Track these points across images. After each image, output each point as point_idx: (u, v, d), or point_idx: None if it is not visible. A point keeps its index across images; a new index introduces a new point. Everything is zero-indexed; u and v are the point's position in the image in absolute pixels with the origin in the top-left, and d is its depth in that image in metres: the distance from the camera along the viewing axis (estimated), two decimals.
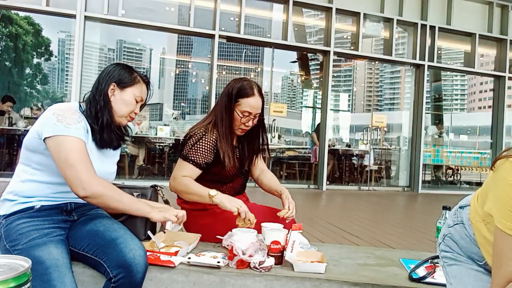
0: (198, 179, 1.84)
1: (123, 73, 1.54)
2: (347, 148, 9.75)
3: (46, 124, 1.38)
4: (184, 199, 1.87)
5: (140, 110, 1.61)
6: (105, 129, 1.49)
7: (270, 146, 8.29)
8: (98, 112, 1.48)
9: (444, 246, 1.16)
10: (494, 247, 0.94)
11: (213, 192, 1.75)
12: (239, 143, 1.99)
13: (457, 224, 1.12)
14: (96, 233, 1.39)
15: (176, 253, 1.50)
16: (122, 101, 1.53)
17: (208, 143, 1.84)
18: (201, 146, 1.83)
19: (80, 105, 1.52)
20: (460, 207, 1.13)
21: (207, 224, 1.84)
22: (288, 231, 1.65)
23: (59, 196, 1.44)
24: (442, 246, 1.18)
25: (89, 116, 1.48)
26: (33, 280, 0.71)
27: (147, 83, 1.61)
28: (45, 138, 1.36)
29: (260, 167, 2.10)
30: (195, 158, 1.82)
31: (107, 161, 1.56)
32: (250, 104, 1.85)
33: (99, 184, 1.35)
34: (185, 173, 1.82)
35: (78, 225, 1.47)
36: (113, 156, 1.61)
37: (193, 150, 1.83)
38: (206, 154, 1.83)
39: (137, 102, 1.56)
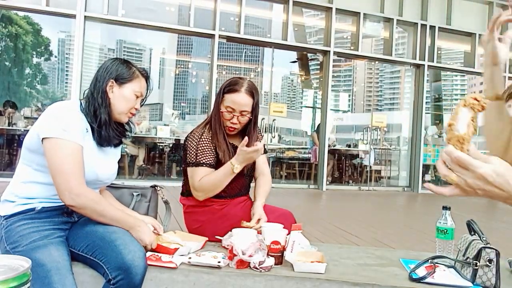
0: None
1: (121, 68, 1.51)
2: (347, 148, 9.75)
3: (44, 124, 1.37)
4: (215, 194, 1.85)
5: (141, 106, 1.59)
6: (103, 127, 1.48)
7: (270, 146, 8.35)
8: (96, 110, 1.47)
9: None
10: None
11: (233, 161, 1.76)
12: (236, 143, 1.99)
13: None
14: (95, 234, 1.38)
15: (175, 251, 1.49)
16: (122, 98, 1.51)
17: (207, 141, 1.86)
18: (204, 147, 1.84)
19: (81, 103, 1.50)
20: None
21: (207, 220, 1.85)
22: (289, 231, 1.65)
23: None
24: None
25: (88, 114, 1.47)
26: (34, 282, 0.71)
27: (146, 77, 1.58)
28: (42, 139, 1.35)
29: (261, 170, 2.08)
30: (206, 160, 1.83)
31: (108, 160, 1.54)
32: (233, 99, 1.84)
33: (85, 196, 1.35)
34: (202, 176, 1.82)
35: (78, 226, 1.47)
36: (114, 154, 1.60)
37: (200, 154, 1.84)
38: (211, 152, 1.85)
39: (137, 97, 1.54)
